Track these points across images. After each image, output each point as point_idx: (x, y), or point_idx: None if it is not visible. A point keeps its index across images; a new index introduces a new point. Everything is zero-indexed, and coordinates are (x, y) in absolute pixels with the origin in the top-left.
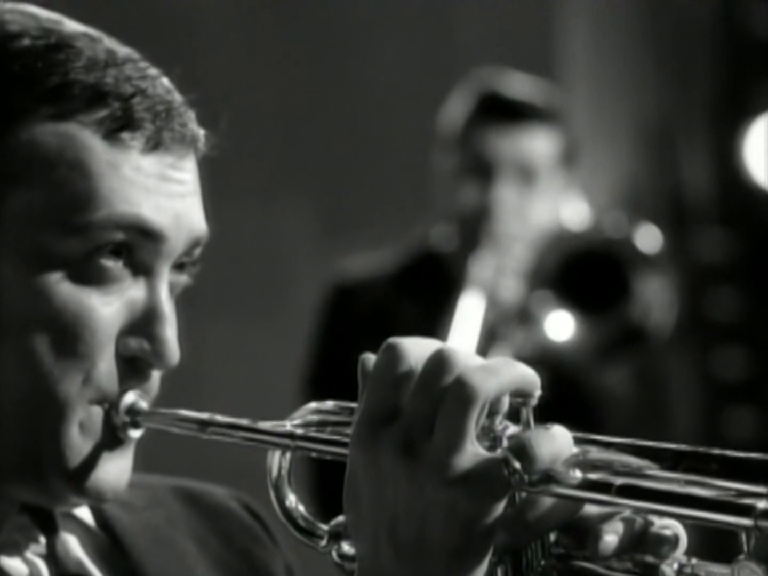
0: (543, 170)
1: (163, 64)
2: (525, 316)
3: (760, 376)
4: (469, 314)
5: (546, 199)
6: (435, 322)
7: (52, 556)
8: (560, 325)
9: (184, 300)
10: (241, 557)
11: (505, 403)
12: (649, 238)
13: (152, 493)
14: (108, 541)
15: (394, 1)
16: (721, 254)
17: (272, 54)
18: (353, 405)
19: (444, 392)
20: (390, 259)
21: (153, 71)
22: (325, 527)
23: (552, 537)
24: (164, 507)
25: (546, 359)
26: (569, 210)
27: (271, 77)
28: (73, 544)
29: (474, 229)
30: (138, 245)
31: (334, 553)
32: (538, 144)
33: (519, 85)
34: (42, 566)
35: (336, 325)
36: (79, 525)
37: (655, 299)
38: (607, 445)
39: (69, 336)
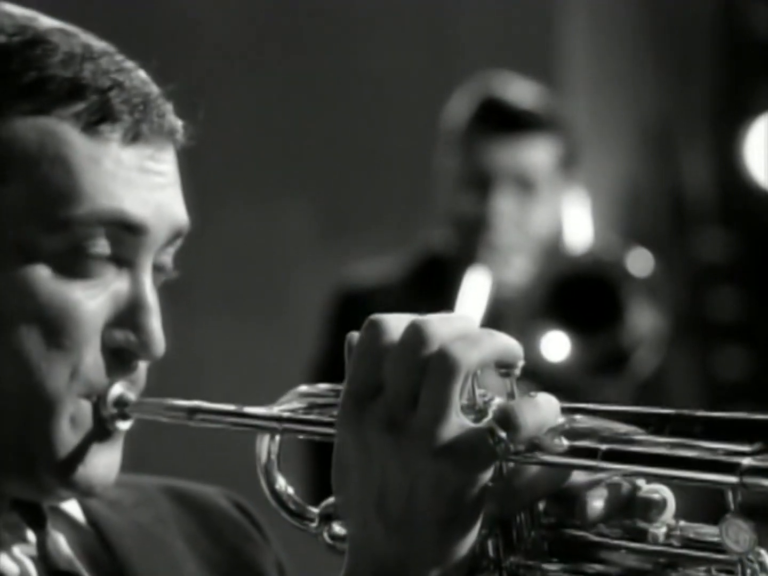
0: (542, 180)
1: (162, 70)
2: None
3: (760, 376)
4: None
5: (546, 208)
6: None
7: (42, 554)
8: (556, 346)
9: (184, 300)
10: (230, 555)
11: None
12: (641, 262)
13: (141, 492)
14: (96, 540)
15: (396, 3)
16: (721, 254)
17: (273, 55)
18: (340, 387)
19: (425, 364)
20: (394, 265)
21: (129, 64)
22: (315, 510)
23: (541, 507)
24: (153, 506)
25: (539, 378)
26: (571, 223)
27: (273, 78)
28: (63, 542)
29: (472, 238)
30: (121, 238)
31: (325, 535)
32: (537, 154)
33: (520, 92)
34: (30, 565)
35: (341, 332)
36: (68, 522)
37: (646, 325)
38: (593, 413)
39: (55, 330)
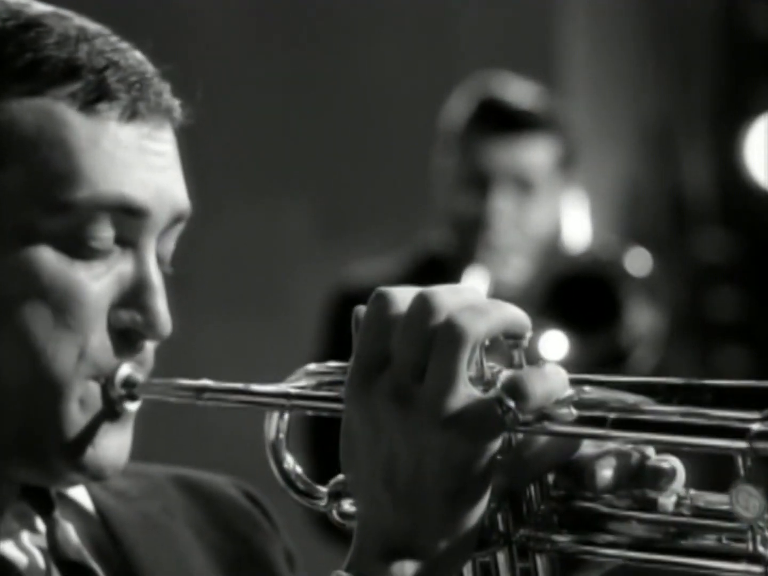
0: (541, 180)
1: (164, 67)
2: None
3: (760, 377)
4: None
5: (544, 208)
6: None
7: (51, 543)
8: (554, 345)
9: (184, 300)
10: (239, 545)
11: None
12: (640, 262)
13: (149, 482)
14: (102, 530)
15: (396, 3)
16: (721, 254)
17: (273, 55)
18: (348, 364)
19: (433, 335)
20: (393, 265)
21: (124, 44)
22: (324, 488)
23: (550, 479)
24: (161, 496)
25: None
26: (570, 223)
27: (273, 78)
28: (71, 532)
29: (471, 238)
30: (122, 221)
31: (334, 512)
32: (535, 155)
33: (518, 92)
34: (38, 555)
35: (340, 331)
36: (76, 510)
37: (644, 325)
38: (601, 384)
39: (60, 312)
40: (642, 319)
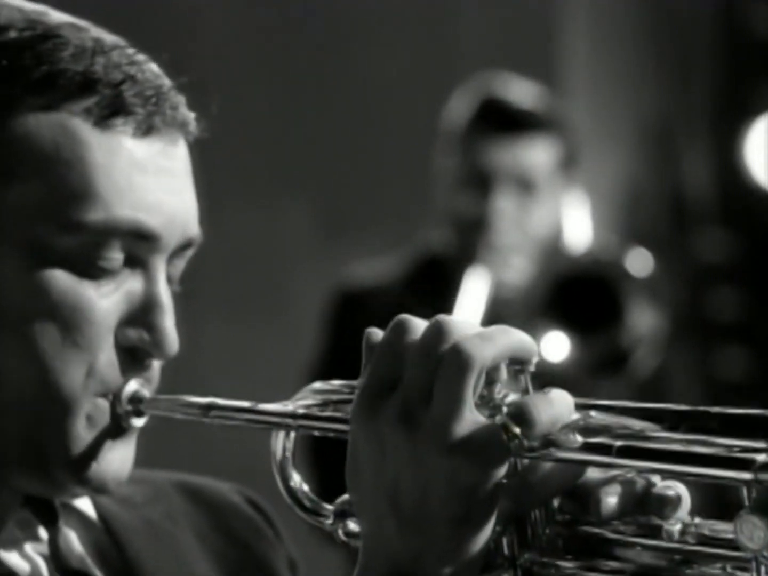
0: (542, 180)
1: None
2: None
3: (760, 376)
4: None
5: (545, 208)
6: None
7: (54, 552)
8: (556, 346)
9: (184, 301)
10: (242, 552)
11: (503, 372)
12: (640, 262)
13: (153, 488)
14: (106, 537)
15: (396, 3)
16: (722, 254)
17: (273, 55)
18: (355, 383)
19: (440, 360)
20: (393, 266)
21: (141, 57)
22: (330, 507)
23: (555, 504)
24: (165, 502)
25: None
26: (570, 223)
27: (273, 78)
28: (74, 540)
29: (472, 238)
30: (133, 243)
31: (340, 532)
32: (537, 155)
33: (520, 92)
34: (41, 563)
35: (341, 332)
36: (79, 518)
37: (645, 325)
38: (608, 409)
39: (69, 330)
40: (643, 320)
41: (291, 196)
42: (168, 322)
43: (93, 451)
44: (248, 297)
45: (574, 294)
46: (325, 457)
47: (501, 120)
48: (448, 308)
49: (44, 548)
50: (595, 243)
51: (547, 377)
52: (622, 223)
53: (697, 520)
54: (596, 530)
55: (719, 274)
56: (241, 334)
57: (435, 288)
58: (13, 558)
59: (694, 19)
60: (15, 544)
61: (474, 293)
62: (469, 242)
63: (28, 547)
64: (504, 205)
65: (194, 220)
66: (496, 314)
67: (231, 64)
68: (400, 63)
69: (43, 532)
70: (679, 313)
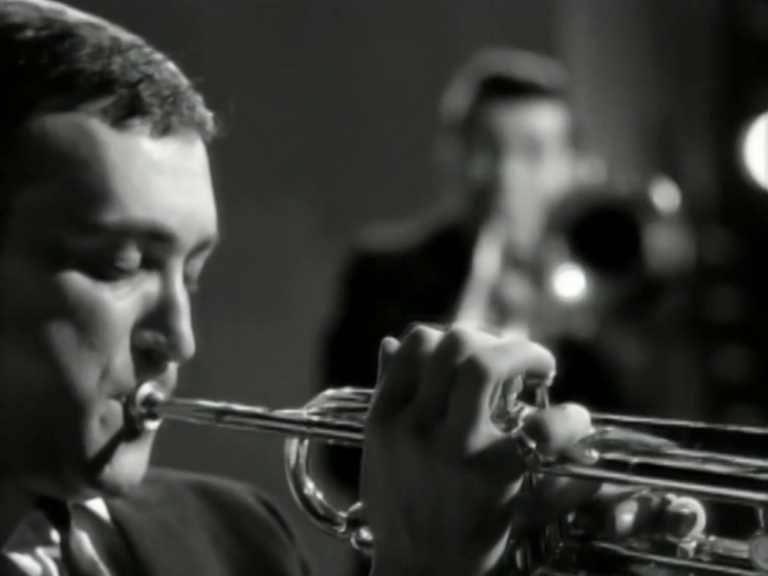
0: (550, 145)
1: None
2: (537, 270)
3: (760, 376)
4: (481, 284)
5: (554, 173)
6: (452, 292)
7: (65, 555)
8: (571, 282)
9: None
10: (254, 554)
11: (520, 385)
12: (664, 195)
13: (167, 489)
14: (119, 540)
15: (395, 3)
16: (722, 254)
17: (273, 54)
18: (370, 391)
19: (456, 372)
20: (408, 232)
21: (158, 56)
22: (343, 514)
23: (570, 518)
24: (178, 504)
25: (559, 332)
26: (585, 169)
27: (273, 78)
28: (86, 543)
29: (485, 203)
30: (150, 244)
31: (353, 540)
32: (544, 119)
33: (522, 64)
34: (52, 567)
35: (356, 290)
36: (92, 520)
37: (670, 253)
38: (624, 425)
39: (85, 332)
40: (669, 255)
41: (292, 195)
42: (184, 324)
43: (106, 453)
44: (248, 296)
45: (596, 230)
46: (339, 465)
47: (506, 86)
48: (458, 273)
49: (56, 552)
50: (618, 177)
51: (569, 326)
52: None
53: (711, 538)
54: (610, 546)
55: (720, 274)
56: (242, 334)
57: (449, 255)
58: (24, 560)
59: (694, 19)
60: (27, 547)
61: (488, 257)
62: (481, 207)
63: (40, 550)
64: (515, 169)
65: (212, 220)
66: (510, 273)
67: (231, 64)
68: (400, 62)
69: (55, 535)
70: (679, 313)
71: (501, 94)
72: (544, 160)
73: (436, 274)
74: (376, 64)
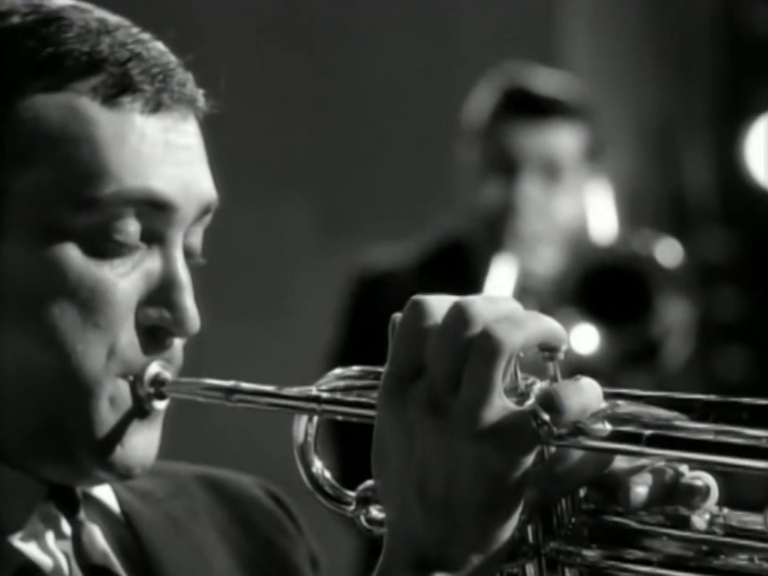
0: (568, 166)
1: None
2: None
3: (760, 376)
4: None
5: (570, 195)
6: None
7: (77, 547)
8: (584, 338)
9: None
10: (263, 547)
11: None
12: (669, 253)
13: (175, 482)
14: (127, 532)
15: (395, 3)
16: (723, 254)
17: (273, 54)
18: (379, 369)
19: (468, 345)
20: (414, 251)
21: (146, 35)
22: (352, 493)
23: (582, 493)
24: (186, 496)
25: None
26: (595, 213)
27: (273, 77)
28: (98, 536)
29: (498, 226)
30: (149, 216)
31: (362, 518)
32: (563, 140)
33: (544, 81)
34: (62, 558)
35: (360, 316)
36: (102, 511)
37: (676, 316)
38: (636, 398)
39: (89, 311)
40: (673, 311)
41: (292, 195)
42: (188, 299)
43: (117, 434)
44: (249, 296)
45: (603, 285)
46: (347, 443)
47: (527, 105)
48: (470, 294)
49: (67, 545)
50: (623, 233)
51: (576, 370)
52: (623, 223)
53: (725, 510)
54: (622, 519)
55: (720, 274)
56: (242, 334)
57: (456, 275)
58: (35, 551)
59: (694, 18)
60: (37, 538)
61: (501, 282)
62: (494, 229)
63: (51, 541)
64: (530, 191)
65: (209, 185)
66: (523, 305)
67: (230, 63)
68: (400, 63)
69: (66, 527)
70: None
71: (521, 113)
72: (563, 183)
73: (441, 294)
74: (377, 65)
